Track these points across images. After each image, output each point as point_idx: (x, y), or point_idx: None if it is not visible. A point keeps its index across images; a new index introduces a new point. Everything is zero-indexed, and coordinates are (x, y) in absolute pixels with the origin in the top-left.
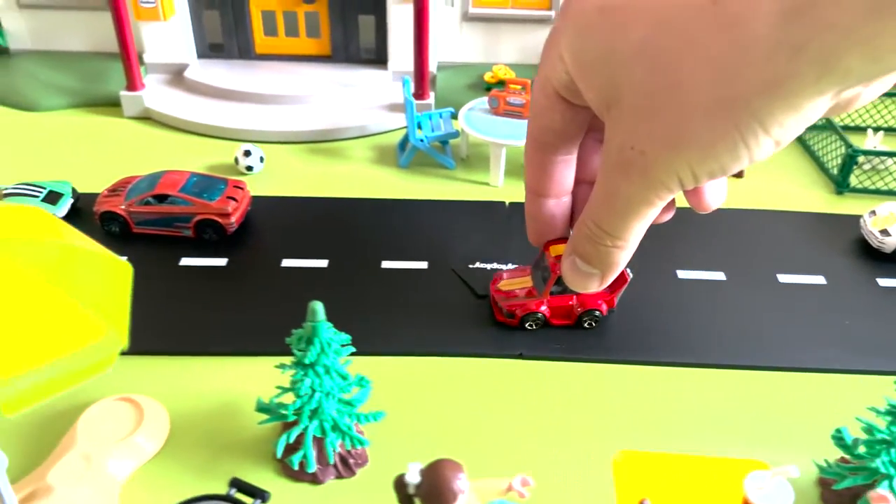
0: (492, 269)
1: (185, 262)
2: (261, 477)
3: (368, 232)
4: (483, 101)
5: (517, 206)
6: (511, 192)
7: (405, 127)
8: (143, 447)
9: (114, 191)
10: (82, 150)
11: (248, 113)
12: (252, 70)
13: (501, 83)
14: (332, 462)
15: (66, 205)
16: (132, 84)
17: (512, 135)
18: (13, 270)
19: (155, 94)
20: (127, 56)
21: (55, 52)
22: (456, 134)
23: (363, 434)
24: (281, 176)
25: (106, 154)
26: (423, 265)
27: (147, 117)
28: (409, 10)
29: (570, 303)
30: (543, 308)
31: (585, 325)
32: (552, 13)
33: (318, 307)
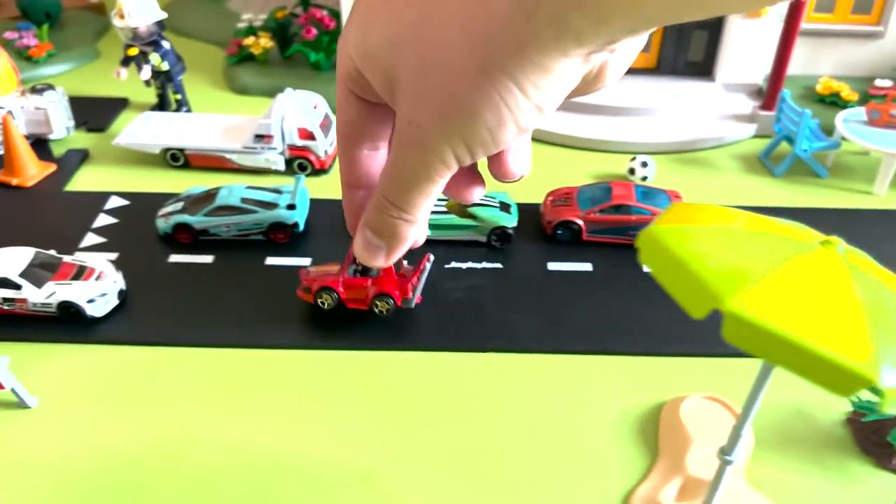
0: None
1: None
2: (857, 465)
3: None
4: (856, 112)
5: None
6: None
7: (759, 136)
8: (747, 443)
9: (555, 201)
10: None
11: (601, 125)
12: None
13: (835, 94)
14: None
15: (516, 214)
16: None
17: None
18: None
19: None
20: None
21: None
22: (838, 144)
23: None
24: (668, 185)
25: None
26: None
27: None
28: (751, 25)
29: (365, 285)
30: (341, 289)
31: (376, 310)
32: (881, 28)
33: None
